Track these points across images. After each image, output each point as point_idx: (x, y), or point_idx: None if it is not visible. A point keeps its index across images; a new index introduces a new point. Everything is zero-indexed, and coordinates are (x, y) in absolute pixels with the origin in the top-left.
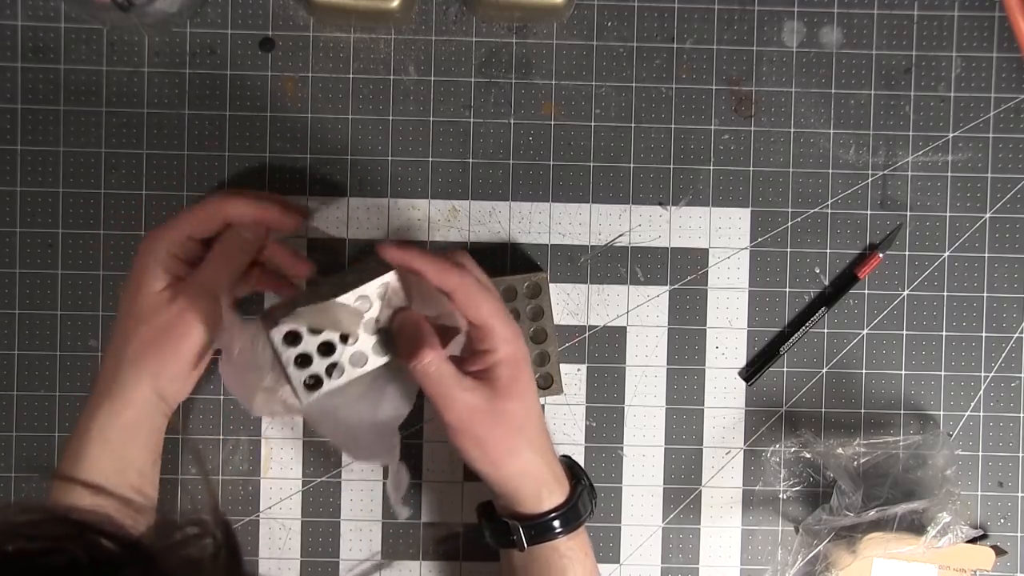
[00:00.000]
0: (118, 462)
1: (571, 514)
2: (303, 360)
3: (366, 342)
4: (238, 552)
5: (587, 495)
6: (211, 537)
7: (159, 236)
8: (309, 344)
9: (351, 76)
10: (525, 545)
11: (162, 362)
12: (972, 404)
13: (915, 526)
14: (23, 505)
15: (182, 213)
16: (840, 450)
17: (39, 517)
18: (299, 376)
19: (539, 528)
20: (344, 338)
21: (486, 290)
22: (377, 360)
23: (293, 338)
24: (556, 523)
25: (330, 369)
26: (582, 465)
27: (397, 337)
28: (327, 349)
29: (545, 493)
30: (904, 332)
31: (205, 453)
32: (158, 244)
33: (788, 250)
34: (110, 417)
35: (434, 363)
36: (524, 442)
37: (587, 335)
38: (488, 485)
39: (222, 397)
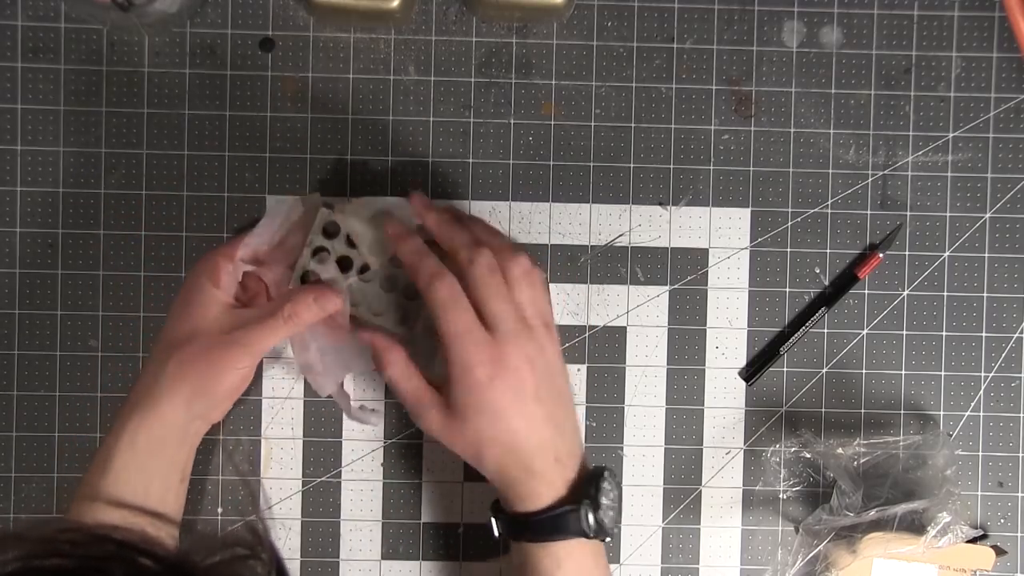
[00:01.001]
0: (144, 474)
1: (549, 523)
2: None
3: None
4: (285, 573)
5: (587, 512)
6: (258, 559)
7: (222, 253)
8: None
9: (351, 76)
10: (507, 538)
11: (202, 385)
12: (972, 404)
13: (915, 526)
14: (63, 523)
15: (238, 237)
16: (840, 450)
17: (79, 536)
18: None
19: (517, 527)
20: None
21: (457, 306)
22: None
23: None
24: (532, 527)
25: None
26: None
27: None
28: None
29: (526, 494)
30: (904, 332)
31: (240, 457)
32: (219, 262)
33: (788, 250)
34: (140, 429)
35: (399, 367)
36: (494, 452)
37: (587, 335)
38: (492, 483)
39: None
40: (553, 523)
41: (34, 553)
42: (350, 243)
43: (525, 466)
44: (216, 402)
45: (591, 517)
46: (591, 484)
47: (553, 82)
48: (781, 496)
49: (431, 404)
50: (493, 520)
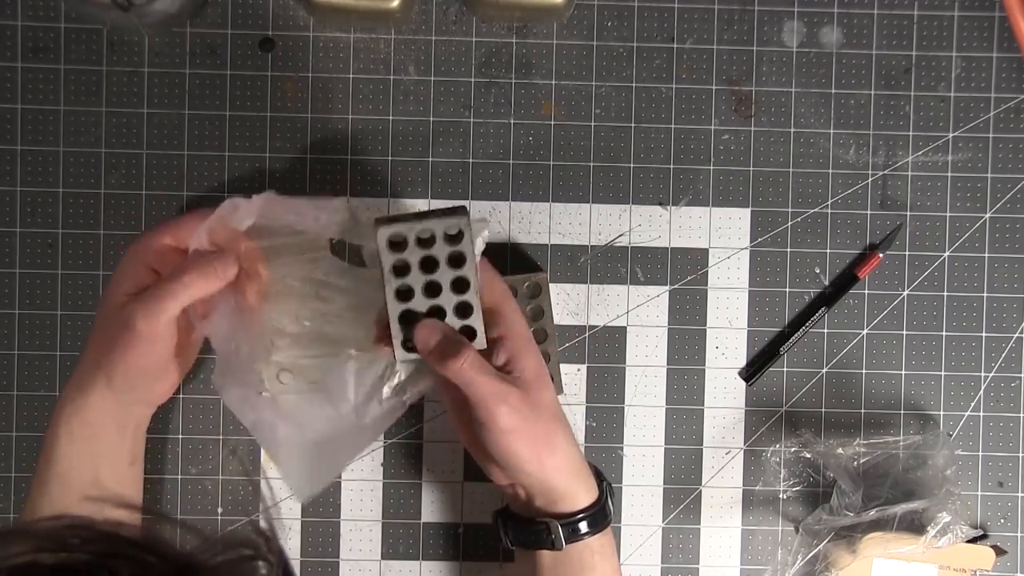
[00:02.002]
0: (89, 461)
1: (601, 512)
2: (406, 293)
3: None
4: (291, 573)
5: (610, 493)
6: (264, 559)
7: (135, 244)
8: (411, 262)
9: (351, 76)
10: (563, 544)
11: (112, 368)
12: (972, 404)
13: (915, 526)
14: (71, 519)
15: (166, 221)
16: (840, 450)
17: (87, 532)
18: (397, 309)
19: (576, 525)
20: (458, 287)
21: (498, 277)
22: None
23: (397, 246)
24: (589, 521)
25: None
26: None
27: (423, 349)
28: (430, 288)
29: (581, 490)
30: (904, 332)
31: (244, 454)
32: (134, 252)
33: (788, 250)
34: (73, 418)
35: (476, 360)
36: (562, 434)
37: (587, 335)
38: (525, 487)
39: (222, 397)
40: (604, 510)
41: (41, 548)
42: (421, 242)
43: (577, 468)
44: (132, 378)
45: (611, 505)
46: (599, 477)
47: (553, 82)
48: (781, 496)
49: (507, 395)
50: (503, 529)
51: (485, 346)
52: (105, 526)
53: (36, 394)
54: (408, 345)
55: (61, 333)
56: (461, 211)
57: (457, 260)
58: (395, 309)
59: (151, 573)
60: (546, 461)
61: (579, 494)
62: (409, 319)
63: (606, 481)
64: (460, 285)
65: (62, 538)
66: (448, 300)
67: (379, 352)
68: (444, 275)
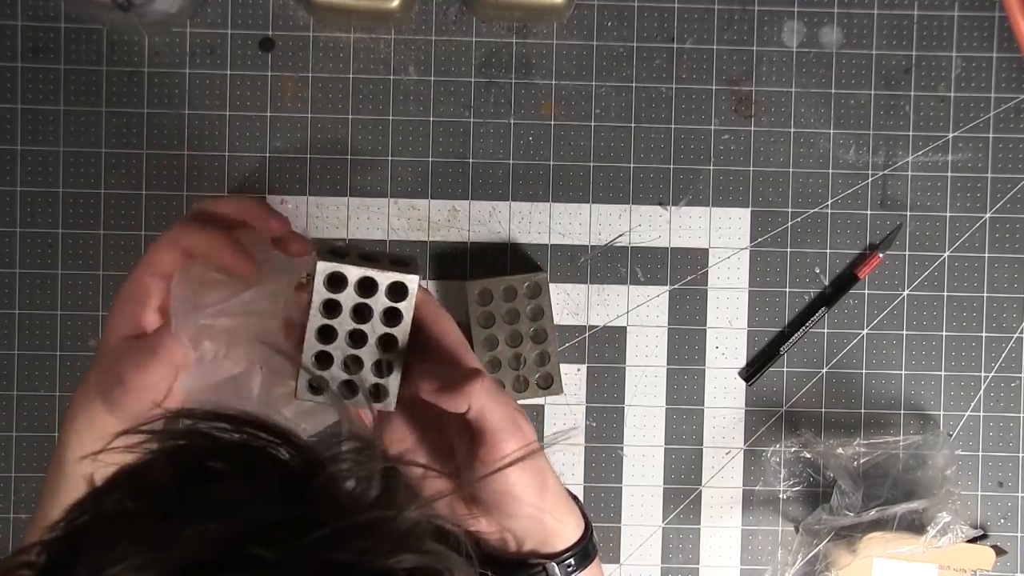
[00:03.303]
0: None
1: (591, 544)
2: (326, 333)
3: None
4: (397, 473)
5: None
6: (375, 454)
7: (125, 283)
8: (344, 306)
9: (351, 76)
10: None
11: (112, 403)
12: (972, 404)
13: (915, 526)
14: (224, 409)
15: (144, 257)
16: (840, 450)
17: (241, 420)
18: (312, 348)
19: (570, 561)
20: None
21: (443, 313)
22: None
23: (335, 283)
24: (581, 554)
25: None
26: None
27: (424, 394)
28: (357, 337)
29: (571, 524)
30: (904, 332)
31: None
32: (124, 292)
33: (788, 250)
34: (83, 432)
35: (492, 381)
36: (549, 465)
37: (587, 335)
38: (517, 530)
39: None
40: (585, 552)
41: (196, 431)
42: (362, 288)
43: (567, 501)
44: (134, 409)
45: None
46: (577, 503)
47: (553, 82)
48: (781, 496)
49: (521, 423)
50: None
51: (392, 409)
52: (254, 415)
53: (36, 394)
54: (314, 387)
55: (61, 333)
56: (412, 265)
57: (393, 316)
58: (312, 347)
59: (291, 464)
60: (544, 497)
61: (569, 528)
62: (322, 359)
63: (582, 507)
64: (388, 343)
65: (213, 423)
66: (370, 354)
67: (285, 370)
68: (375, 327)
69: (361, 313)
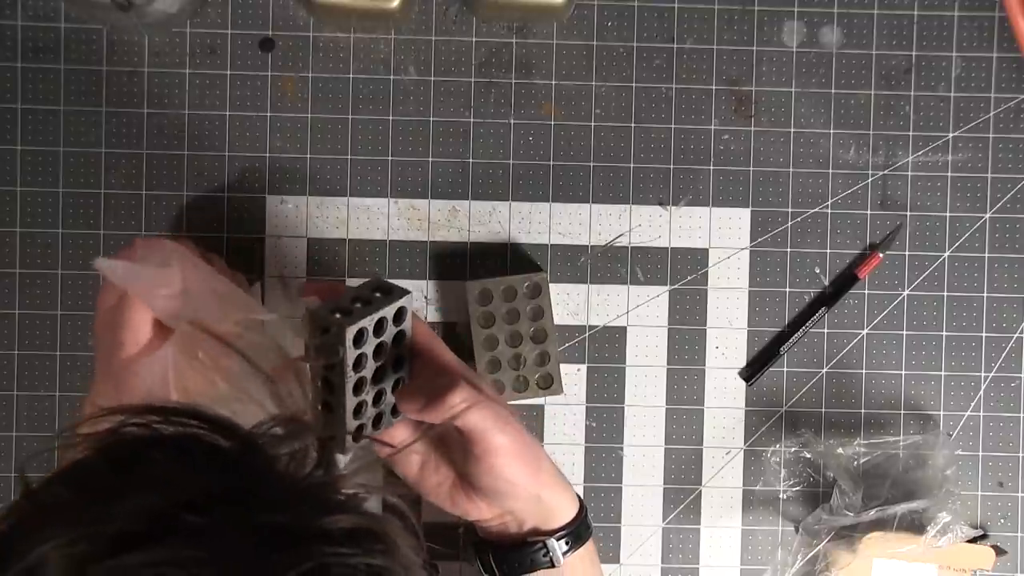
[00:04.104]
0: None
1: (584, 522)
2: (359, 385)
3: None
4: (330, 445)
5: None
6: (310, 433)
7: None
8: (367, 353)
9: (351, 76)
10: (561, 559)
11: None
12: (972, 404)
13: (915, 526)
14: (157, 401)
15: (103, 285)
16: (840, 450)
17: (169, 412)
18: (352, 403)
19: (569, 538)
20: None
21: (421, 323)
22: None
23: (358, 338)
24: (579, 530)
25: (377, 418)
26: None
27: (412, 412)
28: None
29: (566, 501)
30: (904, 332)
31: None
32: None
33: (788, 250)
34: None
35: (469, 389)
36: (540, 447)
37: (587, 335)
38: (517, 512)
39: None
40: (584, 526)
41: (127, 424)
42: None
43: (561, 480)
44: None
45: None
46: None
47: (553, 82)
48: (781, 496)
49: (507, 421)
50: (492, 560)
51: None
52: (186, 405)
53: (36, 394)
54: (354, 436)
55: (61, 333)
56: (399, 291)
57: (399, 338)
58: (351, 404)
59: (225, 448)
60: (540, 477)
61: (565, 506)
62: (357, 410)
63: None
64: (399, 363)
65: (146, 416)
66: (389, 380)
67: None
68: (388, 356)
69: (378, 351)
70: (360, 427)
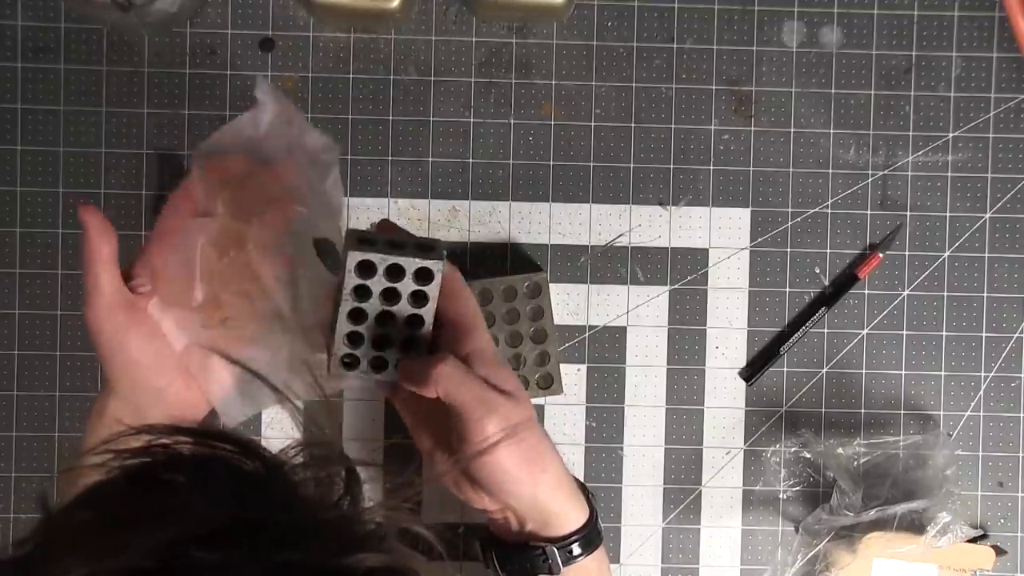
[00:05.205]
0: None
1: (595, 531)
2: (357, 314)
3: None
4: (358, 476)
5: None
6: (337, 461)
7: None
8: (374, 291)
9: (351, 76)
10: (560, 568)
11: (109, 374)
12: (972, 404)
13: (915, 526)
14: (182, 425)
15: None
16: (840, 450)
17: (195, 435)
18: (344, 329)
19: (571, 547)
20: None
21: (468, 290)
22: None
23: (365, 270)
24: (584, 541)
25: (377, 362)
26: (582, 466)
27: (406, 382)
28: (384, 317)
29: (573, 509)
30: (904, 332)
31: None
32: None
33: (788, 250)
34: (101, 431)
35: (458, 367)
36: (551, 450)
37: (587, 335)
38: (516, 510)
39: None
40: (588, 539)
41: (153, 446)
42: (390, 274)
43: (569, 486)
44: (128, 376)
45: (600, 523)
46: (585, 491)
47: (553, 82)
48: (781, 496)
49: (495, 403)
50: (493, 558)
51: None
52: (210, 429)
53: (36, 394)
54: (347, 362)
55: (61, 333)
56: (438, 250)
57: (420, 298)
58: (344, 328)
59: (248, 472)
60: (539, 478)
61: (572, 514)
62: (353, 339)
63: (592, 495)
64: (415, 322)
65: (172, 436)
66: (398, 332)
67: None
68: (403, 309)
69: (390, 297)
70: (355, 359)
